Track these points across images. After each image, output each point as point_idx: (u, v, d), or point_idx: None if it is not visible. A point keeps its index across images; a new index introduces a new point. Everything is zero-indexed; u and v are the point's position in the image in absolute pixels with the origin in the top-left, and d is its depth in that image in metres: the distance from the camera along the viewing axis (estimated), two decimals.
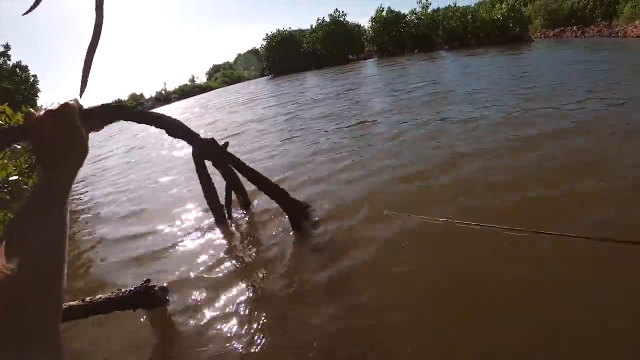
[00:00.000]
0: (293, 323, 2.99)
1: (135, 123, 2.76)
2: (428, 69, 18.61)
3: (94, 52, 1.57)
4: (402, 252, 3.51)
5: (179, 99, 42.07)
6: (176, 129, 3.54)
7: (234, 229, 4.67)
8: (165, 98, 44.13)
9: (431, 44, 32.81)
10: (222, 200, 4.78)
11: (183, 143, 3.97)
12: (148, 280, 3.35)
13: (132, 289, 3.26)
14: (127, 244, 4.95)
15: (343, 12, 39.70)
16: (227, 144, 4.64)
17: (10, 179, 3.97)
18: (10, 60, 32.29)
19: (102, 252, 4.91)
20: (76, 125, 0.96)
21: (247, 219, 4.86)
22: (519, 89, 9.29)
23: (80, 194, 8.61)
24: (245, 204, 5.03)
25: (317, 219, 4.38)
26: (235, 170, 4.43)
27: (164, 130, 3.53)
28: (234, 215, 4.89)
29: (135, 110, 2.98)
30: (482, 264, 3.14)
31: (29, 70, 33.50)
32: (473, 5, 36.15)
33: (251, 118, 13.38)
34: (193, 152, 4.21)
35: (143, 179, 8.27)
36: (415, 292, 3.00)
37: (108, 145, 16.69)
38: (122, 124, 22.62)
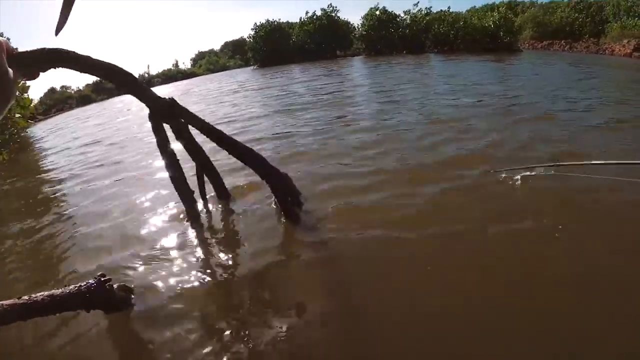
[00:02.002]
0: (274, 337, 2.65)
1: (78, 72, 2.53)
2: (413, 70, 18.53)
3: None
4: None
5: (161, 83, 41.34)
6: (129, 83, 3.28)
7: (207, 220, 4.26)
8: (147, 81, 43.27)
9: (420, 46, 32.75)
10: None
11: None
12: (102, 275, 2.84)
13: (82, 284, 2.72)
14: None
15: (336, 7, 39.40)
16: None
17: None
18: None
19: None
20: (1, 62, 0.87)
21: (223, 204, 4.51)
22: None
23: None
24: (220, 187, 4.59)
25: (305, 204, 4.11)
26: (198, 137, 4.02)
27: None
28: (209, 204, 4.51)
29: (79, 55, 2.61)
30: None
31: (9, 41, 32.55)
32: (464, 11, 36.42)
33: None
34: (149, 115, 3.80)
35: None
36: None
37: None
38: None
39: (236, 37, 57.55)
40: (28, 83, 11.25)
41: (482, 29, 29.54)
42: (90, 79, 42.60)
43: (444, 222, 3.81)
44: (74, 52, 2.60)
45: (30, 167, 10.10)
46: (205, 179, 4.51)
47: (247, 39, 44.25)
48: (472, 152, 5.72)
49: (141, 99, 3.48)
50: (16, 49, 0.99)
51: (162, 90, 29.74)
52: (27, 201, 6.71)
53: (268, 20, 40.84)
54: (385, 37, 34.47)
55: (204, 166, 4.38)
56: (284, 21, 41.91)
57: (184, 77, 43.48)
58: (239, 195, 4.76)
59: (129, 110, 19.22)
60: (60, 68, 2.55)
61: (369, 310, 2.78)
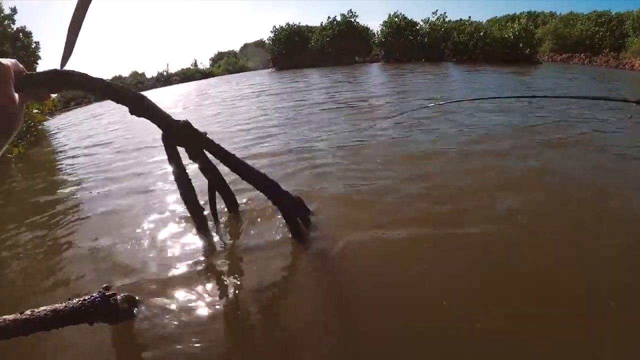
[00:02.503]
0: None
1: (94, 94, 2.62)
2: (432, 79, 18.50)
3: (85, 12, 1.34)
4: None
5: (179, 82, 41.75)
6: (144, 108, 3.18)
7: (217, 236, 4.17)
8: (166, 79, 43.74)
9: (439, 55, 32.73)
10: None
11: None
12: (107, 287, 2.78)
13: (86, 298, 2.67)
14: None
15: (355, 12, 39.50)
16: (205, 134, 4.09)
17: None
18: (14, 24, 31.73)
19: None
20: (7, 91, 0.84)
21: (234, 222, 4.39)
22: None
23: None
24: (232, 204, 4.52)
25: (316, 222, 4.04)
26: (216, 162, 3.93)
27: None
28: (220, 218, 4.42)
29: (92, 78, 2.52)
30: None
31: (32, 36, 32.96)
32: (484, 21, 36.37)
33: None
34: (162, 137, 3.69)
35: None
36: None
37: None
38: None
39: (256, 39, 58.06)
40: None
41: (502, 40, 29.47)
42: (109, 75, 43.38)
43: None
44: (86, 74, 2.49)
45: (43, 165, 10.14)
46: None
47: (266, 41, 44.62)
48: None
49: (156, 122, 3.41)
50: (23, 70, 0.98)
51: (180, 90, 30.39)
52: (33, 202, 6.67)
53: (288, 24, 41.16)
54: (404, 44, 34.52)
55: (217, 184, 4.33)
56: (304, 25, 42.19)
57: (202, 76, 43.82)
58: (250, 210, 4.67)
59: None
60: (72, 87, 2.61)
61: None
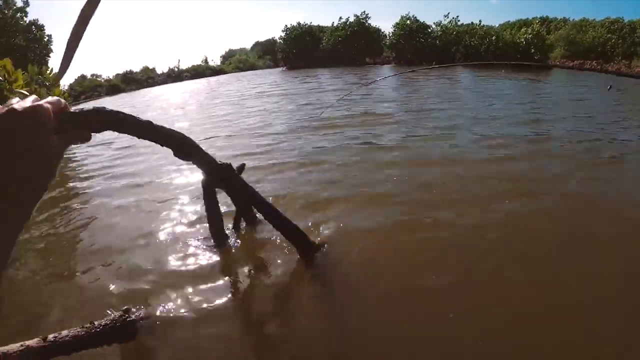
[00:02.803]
0: None
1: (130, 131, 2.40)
2: (449, 85, 18.48)
3: (85, 27, 1.32)
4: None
5: (190, 78, 42.00)
6: (192, 150, 3.08)
7: (236, 255, 4.01)
8: (177, 75, 43.98)
9: (450, 58, 32.77)
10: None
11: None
12: (127, 310, 2.78)
13: (107, 321, 2.66)
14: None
15: (367, 14, 39.63)
16: (243, 166, 4.10)
17: None
18: (26, 16, 32.03)
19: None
20: (46, 138, 0.75)
21: (253, 245, 4.19)
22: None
23: None
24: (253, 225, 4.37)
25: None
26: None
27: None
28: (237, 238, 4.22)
29: (139, 120, 2.46)
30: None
31: (44, 29, 33.30)
32: (497, 25, 36.40)
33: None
34: (203, 181, 3.73)
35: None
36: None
37: None
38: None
39: (267, 37, 58.39)
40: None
41: (514, 45, 29.54)
42: (121, 69, 43.68)
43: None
44: (132, 116, 2.38)
45: None
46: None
47: (277, 40, 44.83)
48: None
49: (198, 164, 3.33)
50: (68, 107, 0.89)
51: (190, 86, 30.59)
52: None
53: (299, 23, 41.35)
54: (415, 46, 34.59)
55: (245, 212, 4.27)
56: (316, 24, 42.36)
57: (213, 73, 44.09)
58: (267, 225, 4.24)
59: (149, 106, 19.89)
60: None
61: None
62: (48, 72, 5.02)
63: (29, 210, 0.75)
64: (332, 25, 41.35)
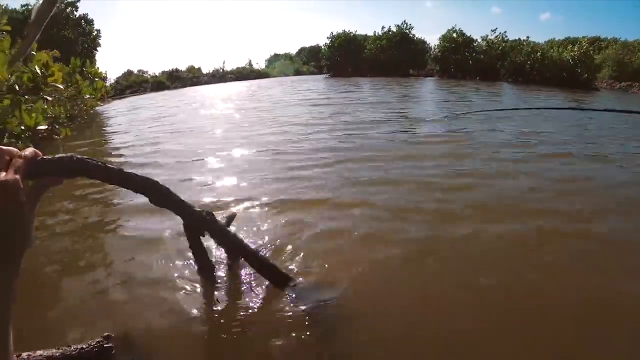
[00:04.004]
0: None
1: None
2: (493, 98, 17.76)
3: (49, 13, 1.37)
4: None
5: (234, 80, 42.81)
6: (163, 197, 2.97)
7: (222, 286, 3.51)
8: (221, 76, 44.88)
9: (494, 74, 32.73)
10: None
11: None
12: (108, 337, 2.60)
13: (84, 345, 2.53)
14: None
15: (410, 24, 39.87)
16: (233, 216, 4.08)
17: (39, 128, 4.18)
18: (77, 10, 33.31)
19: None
20: (18, 207, 0.78)
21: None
22: None
23: None
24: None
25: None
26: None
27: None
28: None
29: (110, 168, 2.42)
30: None
31: (93, 24, 34.54)
32: (542, 42, 36.13)
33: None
34: (184, 227, 3.40)
35: None
36: None
37: None
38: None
39: (312, 43, 59.09)
40: (101, 69, 11.81)
41: (560, 63, 29.35)
42: (167, 67, 44.65)
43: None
44: (103, 164, 2.32)
45: (90, 148, 10.30)
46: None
47: (322, 47, 45.47)
48: None
49: (177, 213, 3.17)
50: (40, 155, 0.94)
51: (233, 88, 31.19)
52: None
53: (344, 31, 41.84)
54: (460, 60, 34.68)
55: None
56: (360, 33, 42.80)
57: (257, 76, 44.89)
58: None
59: (187, 104, 20.14)
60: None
61: None
62: (91, 65, 5.32)
63: (13, 275, 0.79)
64: (374, 34, 41.74)
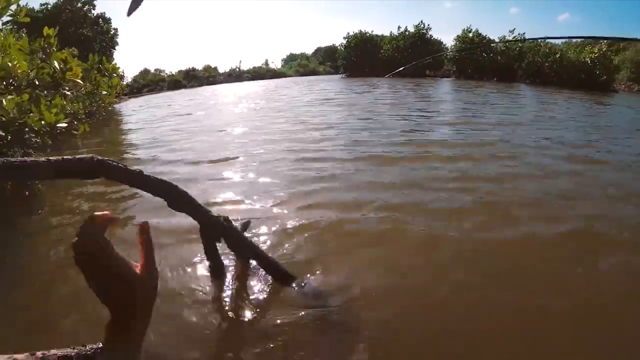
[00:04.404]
0: None
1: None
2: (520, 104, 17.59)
3: None
4: None
5: (250, 79, 43.04)
6: (181, 201, 2.99)
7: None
8: (237, 75, 45.11)
9: (512, 75, 32.44)
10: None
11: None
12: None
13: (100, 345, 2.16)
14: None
15: (428, 25, 39.71)
16: (247, 223, 4.07)
17: (58, 125, 4.23)
18: (94, 9, 33.68)
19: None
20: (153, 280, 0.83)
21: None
22: None
23: None
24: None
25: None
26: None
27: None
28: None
29: (132, 170, 2.57)
30: None
31: (111, 22, 34.90)
32: (560, 43, 35.67)
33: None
34: (201, 233, 3.36)
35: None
36: None
37: None
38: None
39: (328, 43, 59.21)
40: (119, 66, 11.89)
41: (579, 65, 29.01)
42: (184, 66, 44.99)
43: None
44: (124, 166, 2.41)
45: (109, 143, 10.64)
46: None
47: (338, 47, 45.51)
48: None
49: (194, 217, 3.17)
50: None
51: (249, 87, 31.38)
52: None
53: (361, 31, 41.80)
54: (476, 61, 34.44)
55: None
56: (376, 34, 42.73)
57: (273, 76, 45.11)
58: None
59: (202, 103, 20.30)
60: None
61: None
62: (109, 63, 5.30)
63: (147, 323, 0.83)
64: (390, 34, 41.63)
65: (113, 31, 35.27)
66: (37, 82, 3.81)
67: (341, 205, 5.12)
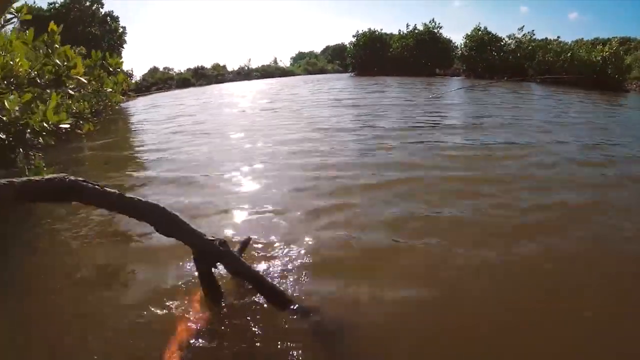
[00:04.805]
0: None
1: None
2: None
3: None
4: None
5: (259, 78, 42.97)
6: (170, 225, 2.78)
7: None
8: (246, 73, 45.05)
9: (523, 74, 32.01)
10: None
11: None
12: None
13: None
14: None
15: (439, 23, 39.39)
16: (248, 241, 3.76)
17: (61, 125, 3.98)
18: (102, 7, 33.78)
19: None
20: None
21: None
22: None
23: None
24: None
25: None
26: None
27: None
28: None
29: (110, 192, 2.41)
30: None
31: (119, 21, 34.97)
32: (570, 42, 35.27)
33: None
34: (194, 259, 3.08)
35: None
36: None
37: None
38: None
39: (337, 42, 59.09)
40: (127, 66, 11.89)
41: (590, 64, 28.68)
42: (192, 64, 45.03)
43: None
44: (101, 187, 2.25)
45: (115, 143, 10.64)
46: None
47: (347, 45, 45.32)
48: None
49: (187, 243, 2.93)
50: None
51: (257, 86, 31.22)
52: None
53: (370, 30, 41.55)
54: (487, 59, 34.12)
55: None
56: (385, 32, 42.44)
57: (282, 74, 44.99)
58: None
59: (210, 102, 20.17)
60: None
61: None
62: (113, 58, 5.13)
63: None
64: (399, 32, 41.36)
65: (121, 30, 35.32)
66: (39, 81, 3.66)
67: (359, 226, 4.67)
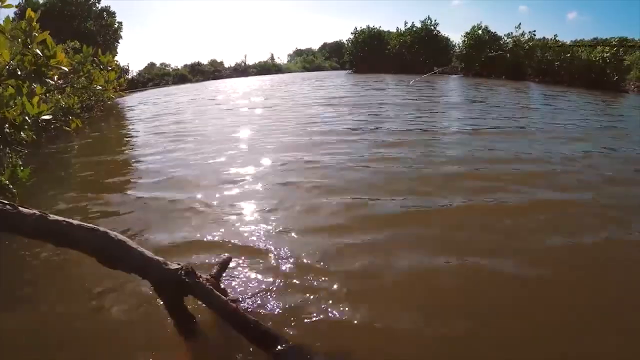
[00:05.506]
0: None
1: None
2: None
3: None
4: None
5: (256, 74, 42.97)
6: (118, 253, 2.38)
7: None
8: (243, 70, 45.00)
9: (521, 73, 31.89)
10: None
11: None
12: None
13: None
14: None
15: (435, 20, 39.24)
16: (228, 260, 3.26)
17: (42, 117, 3.75)
18: (99, 2, 33.76)
19: None
20: None
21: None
22: None
23: None
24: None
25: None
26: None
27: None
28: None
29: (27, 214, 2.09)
30: None
31: (115, 16, 34.98)
32: (569, 42, 35.11)
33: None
34: (155, 290, 2.72)
35: None
36: None
37: None
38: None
39: (335, 39, 59.14)
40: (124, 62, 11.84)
41: (590, 63, 28.53)
42: (189, 60, 44.87)
43: None
44: (14, 208, 2.03)
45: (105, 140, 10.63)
46: None
47: (345, 42, 45.19)
48: None
49: (136, 273, 2.57)
50: None
51: (253, 82, 31.06)
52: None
53: (368, 27, 41.41)
54: (486, 58, 33.92)
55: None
56: (384, 29, 42.31)
57: (278, 71, 44.95)
58: None
59: (204, 98, 19.61)
60: None
61: None
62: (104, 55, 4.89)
63: None
64: (397, 30, 41.18)
65: (117, 25, 35.24)
66: (19, 72, 3.43)
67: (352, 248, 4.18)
